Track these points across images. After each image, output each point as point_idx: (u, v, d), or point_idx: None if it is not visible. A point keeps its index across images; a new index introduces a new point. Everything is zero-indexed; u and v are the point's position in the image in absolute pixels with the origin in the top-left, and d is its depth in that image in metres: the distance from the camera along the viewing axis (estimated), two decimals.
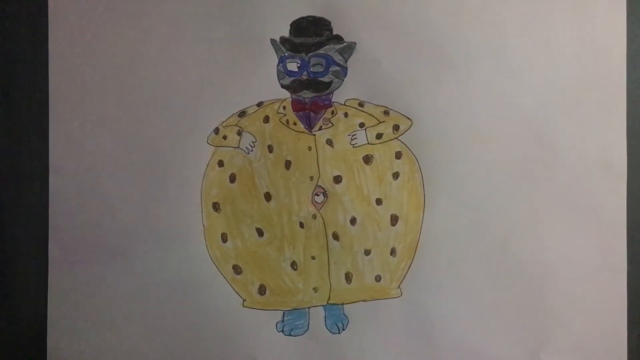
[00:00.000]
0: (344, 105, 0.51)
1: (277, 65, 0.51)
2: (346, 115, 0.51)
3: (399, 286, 0.51)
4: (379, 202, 0.51)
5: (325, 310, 0.52)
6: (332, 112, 0.51)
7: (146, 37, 0.51)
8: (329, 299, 0.51)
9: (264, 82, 0.51)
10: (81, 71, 0.51)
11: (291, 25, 0.50)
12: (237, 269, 0.51)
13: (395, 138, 0.51)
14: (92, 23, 0.51)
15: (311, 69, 0.50)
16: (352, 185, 0.51)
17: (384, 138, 0.51)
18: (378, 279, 0.51)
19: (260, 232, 0.51)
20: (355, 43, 0.50)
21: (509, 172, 0.51)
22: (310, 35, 0.50)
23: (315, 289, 0.51)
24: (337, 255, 0.51)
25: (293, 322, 0.51)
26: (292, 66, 0.50)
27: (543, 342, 0.51)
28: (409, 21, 0.50)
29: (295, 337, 0.51)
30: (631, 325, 0.51)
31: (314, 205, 0.51)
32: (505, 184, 0.51)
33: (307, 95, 0.51)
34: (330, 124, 0.51)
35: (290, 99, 0.51)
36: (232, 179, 0.51)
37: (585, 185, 0.51)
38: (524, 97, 0.51)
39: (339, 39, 0.50)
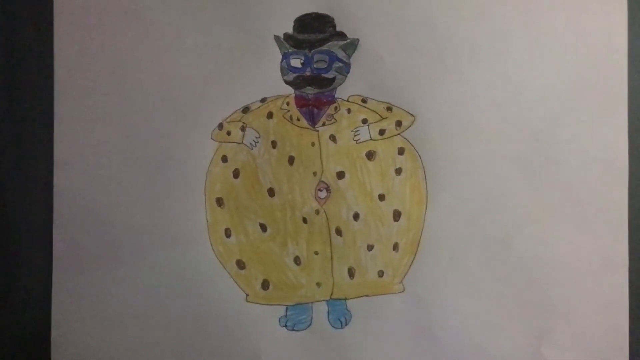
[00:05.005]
0: (347, 101, 0.51)
1: (281, 62, 0.51)
2: (349, 111, 0.51)
3: (401, 281, 0.51)
4: (381, 197, 0.51)
5: (328, 305, 0.52)
6: (335, 108, 0.51)
7: (150, 33, 0.51)
8: (332, 294, 0.52)
9: (267, 78, 0.51)
10: (86, 67, 0.51)
11: (295, 21, 0.50)
12: (240, 264, 0.51)
13: (398, 134, 0.51)
14: (97, 18, 0.51)
15: (314, 66, 0.51)
16: (355, 181, 0.51)
17: (386, 134, 0.51)
18: (381, 274, 0.51)
19: (263, 228, 0.51)
20: (358, 40, 0.51)
21: (511, 169, 0.51)
22: (314, 32, 0.50)
23: (318, 284, 0.52)
24: (340, 250, 0.51)
25: (296, 317, 0.51)
26: (296, 62, 0.51)
27: (544, 337, 0.51)
28: (412, 18, 0.51)
29: (298, 332, 0.51)
30: (633, 321, 0.51)
31: (317, 201, 0.51)
32: (507, 180, 0.51)
33: (310, 91, 0.51)
34: (333, 120, 0.51)
35: (294, 95, 0.51)
36: (236, 174, 0.51)
37: (587, 183, 0.51)
38: (526, 94, 0.51)
39: (342, 35, 0.51)
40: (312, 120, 0.51)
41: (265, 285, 0.51)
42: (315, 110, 0.51)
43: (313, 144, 0.51)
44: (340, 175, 0.51)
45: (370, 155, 0.51)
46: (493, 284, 0.51)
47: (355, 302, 0.52)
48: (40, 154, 0.52)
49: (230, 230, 0.51)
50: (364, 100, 0.51)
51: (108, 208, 0.51)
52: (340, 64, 0.51)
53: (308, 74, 0.51)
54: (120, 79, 0.51)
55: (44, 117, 0.51)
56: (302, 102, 0.51)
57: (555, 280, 0.51)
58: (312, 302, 0.52)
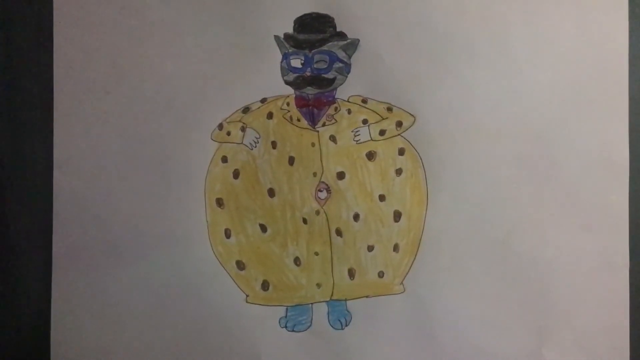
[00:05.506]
0: (347, 101, 0.51)
1: (281, 62, 0.51)
2: (349, 111, 0.51)
3: (401, 282, 0.51)
4: (382, 198, 0.51)
5: (328, 306, 0.52)
6: (336, 109, 0.51)
7: (150, 34, 0.51)
8: (332, 294, 0.51)
9: (267, 78, 0.51)
10: (85, 67, 0.51)
11: (295, 21, 0.50)
12: (240, 265, 0.51)
13: (399, 134, 0.51)
14: (96, 19, 0.51)
15: (315, 66, 0.51)
16: (355, 182, 0.51)
17: (387, 134, 0.51)
18: (381, 275, 0.51)
19: (263, 228, 0.51)
20: (358, 40, 0.51)
21: (512, 169, 0.51)
22: (314, 32, 0.50)
23: (318, 285, 0.52)
24: (340, 251, 0.51)
25: (296, 318, 0.51)
26: (296, 63, 0.51)
27: (545, 338, 0.51)
28: (412, 18, 0.50)
29: (298, 333, 0.51)
30: (633, 322, 0.51)
31: (318, 201, 0.51)
32: (507, 180, 0.51)
33: (310, 91, 0.51)
34: (333, 121, 0.51)
35: (294, 95, 0.51)
36: (236, 174, 0.51)
37: (588, 183, 0.51)
38: (526, 94, 0.51)
39: (342, 35, 0.51)
40: (312, 121, 0.51)
41: (265, 286, 0.51)
42: (316, 111, 0.51)
43: (313, 145, 0.51)
44: (341, 175, 0.51)
45: (370, 155, 0.51)
46: (494, 285, 0.51)
47: (356, 302, 0.52)
48: (40, 154, 0.52)
49: (230, 231, 0.51)
50: (364, 101, 0.51)
51: (108, 208, 0.51)
52: (341, 64, 0.51)
53: (308, 74, 0.51)
54: (120, 79, 0.51)
55: (44, 117, 0.51)
56: (302, 103, 0.51)
57: (555, 281, 0.51)
58: (312, 303, 0.52)
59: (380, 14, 0.50)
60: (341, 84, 0.51)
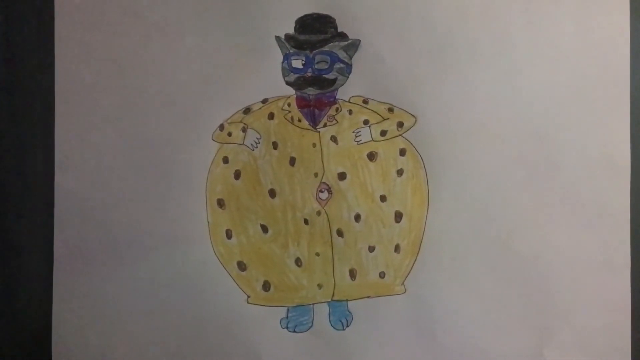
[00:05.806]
0: (349, 102, 0.51)
1: (282, 63, 0.51)
2: (350, 112, 0.51)
3: (403, 283, 0.51)
4: (383, 198, 0.51)
5: (329, 306, 0.52)
6: (337, 109, 0.51)
7: (151, 35, 0.51)
8: (333, 295, 0.51)
9: (268, 79, 0.51)
10: (87, 68, 0.51)
11: (296, 22, 0.50)
12: (241, 266, 0.51)
13: (400, 135, 0.51)
14: (97, 20, 0.51)
15: (316, 66, 0.51)
16: (356, 182, 0.51)
17: (388, 135, 0.51)
18: (382, 275, 0.51)
19: (264, 229, 0.51)
20: (359, 40, 0.50)
21: (513, 169, 0.51)
22: (315, 33, 0.50)
23: (319, 286, 0.52)
24: (342, 251, 0.51)
25: (297, 319, 0.51)
26: (297, 63, 0.51)
27: (546, 338, 0.51)
28: (413, 18, 0.50)
29: (299, 334, 0.51)
30: (635, 322, 0.51)
31: (319, 202, 0.51)
32: (508, 180, 0.51)
33: (311, 92, 0.51)
34: (334, 121, 0.51)
35: (295, 96, 0.51)
36: (237, 175, 0.51)
37: (589, 182, 0.51)
38: (528, 94, 0.51)
39: (343, 36, 0.50)
40: (313, 121, 0.51)
41: (266, 286, 0.51)
42: (317, 111, 0.51)
43: (314, 145, 0.51)
44: (342, 176, 0.51)
45: (371, 156, 0.51)
46: (495, 285, 0.51)
47: (357, 303, 0.52)
48: (41, 154, 0.52)
49: (231, 232, 0.51)
50: (365, 101, 0.51)
51: (109, 208, 0.51)
52: (342, 65, 0.50)
53: (309, 74, 0.51)
54: (121, 79, 0.51)
55: (45, 117, 0.51)
56: (303, 103, 0.51)
57: (557, 281, 0.51)
58: (313, 304, 0.52)
59: (381, 14, 0.50)
60: (342, 85, 0.51)
